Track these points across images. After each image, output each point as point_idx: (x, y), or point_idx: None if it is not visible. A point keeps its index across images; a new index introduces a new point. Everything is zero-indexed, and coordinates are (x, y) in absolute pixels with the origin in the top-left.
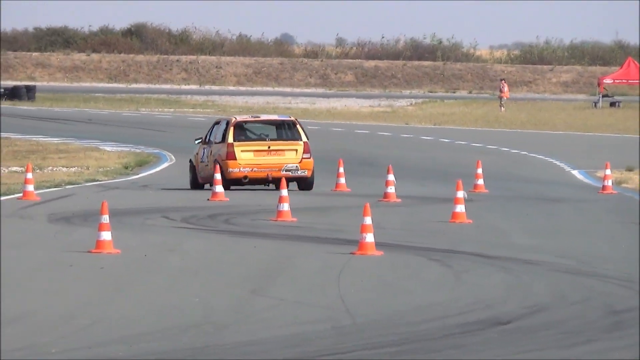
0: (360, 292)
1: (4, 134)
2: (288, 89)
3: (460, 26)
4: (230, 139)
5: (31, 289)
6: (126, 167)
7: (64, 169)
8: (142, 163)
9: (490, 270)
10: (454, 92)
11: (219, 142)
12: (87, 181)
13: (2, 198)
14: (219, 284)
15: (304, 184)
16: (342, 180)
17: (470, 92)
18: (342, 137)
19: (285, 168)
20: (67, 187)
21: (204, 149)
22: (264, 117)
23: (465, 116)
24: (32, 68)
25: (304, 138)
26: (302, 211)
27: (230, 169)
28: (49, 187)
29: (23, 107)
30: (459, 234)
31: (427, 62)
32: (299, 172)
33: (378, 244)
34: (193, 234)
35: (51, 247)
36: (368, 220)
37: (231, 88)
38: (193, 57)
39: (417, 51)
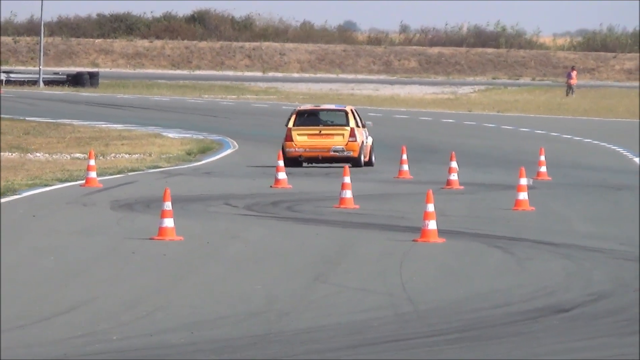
0: (422, 279)
1: (67, 121)
2: (351, 76)
3: (523, 13)
4: (290, 124)
5: (93, 276)
6: (189, 154)
7: (127, 156)
8: (205, 150)
9: (553, 257)
10: (517, 79)
11: (286, 126)
12: (149, 168)
13: (66, 185)
14: (281, 271)
15: (353, 162)
16: (405, 167)
17: (533, 79)
18: (405, 124)
19: (333, 149)
20: (130, 173)
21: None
22: (322, 106)
23: (528, 103)
24: (95, 54)
25: (351, 124)
26: (365, 198)
27: (287, 149)
28: (112, 174)
29: (86, 93)
30: (522, 221)
31: (490, 49)
32: (345, 152)
33: (440, 231)
34: (255, 221)
35: (114, 234)
36: (430, 207)
37: (294, 75)
38: (256, 44)
39: (481, 38)
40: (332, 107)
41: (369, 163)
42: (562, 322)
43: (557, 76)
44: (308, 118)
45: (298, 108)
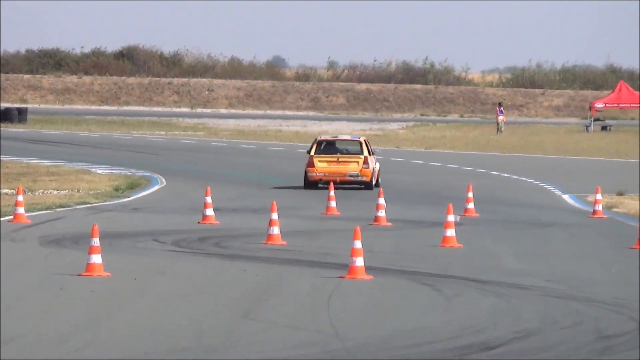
0: (350, 315)
1: None
2: (280, 112)
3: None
4: (312, 152)
5: (22, 312)
6: (117, 190)
7: (55, 192)
8: (133, 186)
9: (481, 294)
10: (446, 116)
11: (308, 153)
12: (78, 204)
13: None
14: (209, 307)
15: (365, 185)
16: (333, 203)
17: (461, 116)
18: None
19: (349, 174)
20: (58, 209)
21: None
22: (340, 137)
23: (456, 140)
24: (23, 90)
25: (365, 153)
26: (293, 235)
27: (310, 174)
28: (40, 210)
29: (14, 129)
30: (450, 258)
31: (418, 85)
32: (359, 177)
33: (368, 268)
34: (183, 257)
35: (42, 270)
36: (358, 244)
37: (223, 111)
38: (185, 80)
39: (409, 74)
40: (348, 137)
41: (377, 184)
42: None
43: (486, 113)
44: (327, 147)
45: (319, 138)
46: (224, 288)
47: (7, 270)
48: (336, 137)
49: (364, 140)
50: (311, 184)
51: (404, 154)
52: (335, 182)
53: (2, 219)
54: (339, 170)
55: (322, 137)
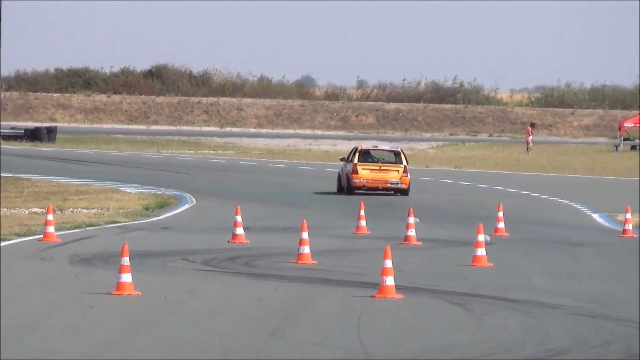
0: (380, 334)
1: (25, 175)
2: (309, 131)
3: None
4: (355, 160)
5: (52, 330)
6: (147, 209)
7: (85, 211)
8: (163, 205)
9: (511, 313)
10: (475, 135)
11: (350, 162)
12: (107, 223)
13: (23, 239)
14: (239, 326)
15: (402, 192)
16: (363, 222)
17: (490, 135)
18: None
19: (390, 182)
20: (88, 228)
21: (344, 164)
22: (380, 146)
23: (485, 159)
24: (52, 109)
25: (404, 162)
26: (323, 254)
27: (354, 180)
28: (70, 229)
29: (44, 148)
30: (480, 277)
31: (448, 104)
32: (399, 185)
33: (398, 287)
34: (213, 276)
35: (72, 289)
36: (388, 263)
37: (252, 130)
38: (214, 99)
39: (439, 94)
40: (387, 147)
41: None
42: None
43: (515, 132)
44: (366, 155)
45: (360, 147)
46: (254, 307)
47: (37, 289)
48: (376, 146)
49: (401, 151)
50: (354, 189)
51: (434, 174)
52: (377, 189)
53: (32, 238)
54: (382, 178)
55: (363, 146)
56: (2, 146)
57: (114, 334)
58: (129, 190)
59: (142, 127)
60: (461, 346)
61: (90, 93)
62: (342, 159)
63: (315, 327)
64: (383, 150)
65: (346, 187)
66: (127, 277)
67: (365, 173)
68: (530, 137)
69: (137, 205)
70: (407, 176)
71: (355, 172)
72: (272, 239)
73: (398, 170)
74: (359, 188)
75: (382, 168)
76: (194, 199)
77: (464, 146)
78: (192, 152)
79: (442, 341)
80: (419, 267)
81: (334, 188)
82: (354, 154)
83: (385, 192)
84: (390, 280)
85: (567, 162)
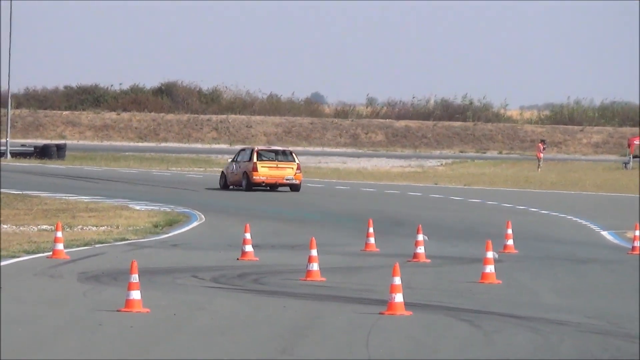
0: (389, 351)
1: (34, 192)
2: (318, 149)
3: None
4: (254, 159)
5: (61, 348)
6: (156, 226)
7: (94, 228)
8: (172, 222)
9: (519, 330)
10: (484, 153)
11: (247, 161)
12: (116, 240)
13: (32, 256)
14: (248, 343)
15: (295, 187)
16: (372, 240)
17: (500, 153)
18: (372, 197)
19: (286, 178)
20: (97, 245)
21: (233, 164)
22: (272, 147)
23: (495, 176)
24: (62, 126)
25: (296, 161)
26: (332, 271)
27: (255, 177)
28: (79, 246)
29: (53, 165)
30: (489, 294)
31: (457, 122)
32: (293, 181)
33: (407, 304)
34: (222, 294)
35: (81, 306)
36: (397, 280)
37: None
38: (223, 116)
39: (448, 111)
40: (281, 148)
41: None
42: None
43: (524, 150)
44: (266, 155)
45: (257, 148)
46: (263, 324)
47: (46, 306)
48: (270, 147)
49: (292, 151)
50: (253, 186)
51: (443, 191)
52: (275, 185)
53: (41, 255)
54: (279, 175)
55: (259, 147)
56: (11, 163)
57: (123, 351)
58: (138, 207)
59: (152, 144)
60: None
61: (99, 110)
62: (229, 159)
63: (324, 345)
64: (277, 150)
65: (246, 183)
66: (136, 295)
67: (264, 171)
68: (542, 154)
69: (146, 222)
70: (299, 173)
71: (255, 170)
72: (282, 256)
73: (292, 168)
74: (259, 184)
75: (278, 166)
76: (203, 216)
77: (473, 163)
78: (201, 169)
79: (451, 358)
80: (427, 284)
81: (243, 174)
82: (252, 154)
83: (282, 186)
84: (399, 298)
85: (576, 179)
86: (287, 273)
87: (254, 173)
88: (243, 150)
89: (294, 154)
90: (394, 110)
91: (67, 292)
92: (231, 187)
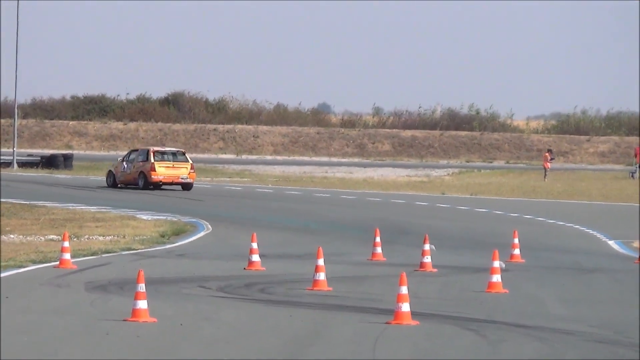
0: None
1: (41, 202)
2: (325, 159)
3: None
4: (152, 159)
5: (68, 357)
6: (163, 236)
7: (101, 238)
8: (179, 232)
9: (526, 340)
10: (491, 162)
11: (143, 161)
12: (123, 250)
13: (39, 266)
14: (255, 353)
15: (189, 186)
16: (379, 249)
17: (507, 162)
18: (378, 206)
19: (181, 177)
20: (104, 255)
21: (124, 164)
22: (167, 148)
23: (501, 186)
24: (69, 136)
25: (190, 161)
26: (338, 280)
27: (153, 177)
28: (86, 256)
29: (60, 175)
30: (495, 303)
31: (464, 131)
32: (187, 179)
33: (414, 314)
34: (229, 303)
35: (87, 315)
36: (404, 289)
37: (268, 157)
38: (230, 126)
39: (454, 121)
40: (174, 149)
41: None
42: None
43: (531, 159)
44: (162, 156)
45: (153, 149)
46: (270, 334)
47: (53, 316)
48: (165, 148)
49: (184, 152)
50: (151, 185)
51: (450, 200)
52: (171, 184)
53: (48, 264)
54: (175, 174)
55: (155, 148)
56: (18, 173)
57: None
58: (145, 217)
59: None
60: None
61: (106, 120)
62: (119, 158)
63: (331, 354)
64: (172, 151)
65: (143, 182)
66: (142, 304)
67: (161, 170)
68: (549, 164)
69: (153, 232)
70: (193, 172)
71: (153, 169)
72: (288, 266)
73: (187, 168)
74: (156, 183)
75: (174, 166)
76: (210, 226)
77: (479, 173)
78: (208, 179)
79: None
80: (434, 293)
81: (140, 173)
82: (149, 154)
83: (177, 185)
84: (405, 307)
85: (583, 188)
86: (294, 283)
87: (152, 172)
88: (135, 150)
89: (186, 154)
90: (401, 120)
91: (74, 301)
92: (120, 185)
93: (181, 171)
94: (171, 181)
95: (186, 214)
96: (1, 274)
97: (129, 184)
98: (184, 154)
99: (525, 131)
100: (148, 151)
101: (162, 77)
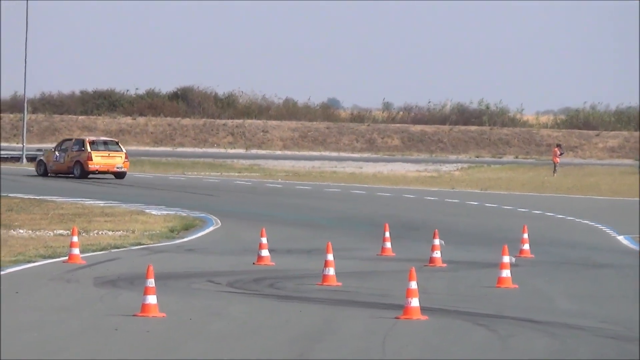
0: (405, 356)
1: (50, 197)
2: (334, 153)
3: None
4: (88, 149)
5: (77, 353)
6: (172, 231)
7: (110, 233)
8: (188, 227)
9: (535, 335)
10: (501, 157)
11: (79, 151)
12: (132, 245)
13: (48, 261)
14: (264, 348)
15: (122, 175)
16: (388, 244)
17: (516, 157)
18: (388, 201)
19: (116, 166)
20: (113, 250)
21: (56, 153)
22: (101, 138)
23: (511, 181)
24: (77, 131)
25: (124, 150)
26: (348, 276)
27: (90, 166)
28: (95, 251)
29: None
30: (504, 298)
31: (473, 126)
32: (122, 169)
33: (423, 309)
34: (238, 298)
35: (96, 311)
36: (413, 284)
37: (278, 152)
38: (239, 121)
39: (464, 116)
40: (110, 139)
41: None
42: None
43: (541, 154)
44: (97, 145)
45: (89, 139)
46: (279, 329)
47: (62, 311)
48: (99, 138)
49: (118, 141)
50: (88, 174)
51: (459, 195)
52: (107, 172)
53: (57, 259)
54: (111, 163)
55: (90, 138)
56: (27, 168)
57: (139, 356)
58: (154, 212)
59: (168, 149)
60: None
61: (115, 115)
62: (51, 148)
63: (340, 349)
64: (106, 140)
65: (80, 172)
66: (152, 299)
67: (98, 159)
68: (558, 159)
69: (162, 227)
70: (127, 162)
71: (90, 159)
72: (297, 261)
73: (122, 157)
74: (93, 172)
75: (110, 155)
76: (219, 221)
77: (489, 168)
78: (217, 174)
79: None
80: (443, 288)
81: (77, 162)
82: (84, 144)
83: (112, 175)
84: (415, 302)
85: (592, 184)
86: (303, 278)
87: (89, 162)
88: (68, 140)
89: (120, 144)
90: (410, 115)
91: (83, 296)
92: (50, 174)
93: (116, 160)
94: (107, 170)
95: (195, 209)
96: (5, 270)
97: (62, 174)
98: (117, 143)
99: (535, 126)
100: (84, 141)
101: (171, 72)
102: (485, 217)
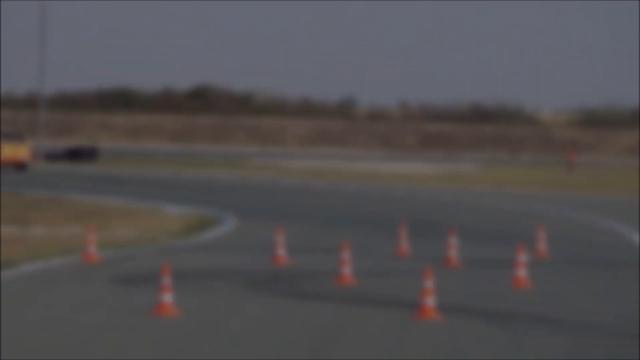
0: (421, 355)
1: (66, 195)
2: (351, 152)
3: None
4: None
5: (93, 351)
6: (188, 229)
7: (126, 230)
8: (204, 225)
9: (552, 334)
10: (517, 156)
11: None
12: (148, 243)
13: (64, 259)
14: (280, 347)
15: (24, 167)
16: (404, 243)
17: (533, 156)
18: (404, 200)
19: (21, 158)
20: (129, 248)
21: None
22: (4, 130)
23: (527, 179)
24: (94, 128)
25: (27, 143)
26: (363, 274)
27: None
28: (111, 249)
29: (85, 167)
30: (521, 297)
31: (490, 125)
32: (25, 160)
33: (439, 308)
34: (254, 297)
35: (113, 309)
36: (429, 283)
37: (294, 150)
38: (256, 119)
39: (481, 114)
40: (12, 131)
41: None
42: None
43: (557, 152)
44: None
45: None
46: (295, 328)
47: (78, 309)
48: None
49: (22, 134)
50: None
51: (475, 194)
52: (10, 163)
53: (73, 257)
54: (16, 155)
55: None
56: (43, 166)
57: (156, 354)
58: (170, 210)
59: (184, 146)
60: None
61: (132, 113)
62: None
63: (356, 348)
64: (8, 132)
65: None
66: (168, 298)
67: (6, 152)
68: (574, 157)
69: (178, 225)
70: (30, 154)
71: None
72: (314, 259)
73: (25, 149)
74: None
75: (15, 147)
76: (235, 220)
77: (505, 166)
78: (234, 172)
79: None
80: (459, 287)
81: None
82: None
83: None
84: (430, 301)
85: (608, 182)
86: (319, 276)
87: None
88: None
89: (22, 136)
90: (427, 114)
91: (99, 294)
92: None
93: (20, 152)
94: (12, 161)
95: (211, 207)
96: (21, 267)
97: None
98: (20, 135)
99: (552, 125)
100: None
101: (189, 70)
102: (501, 215)
